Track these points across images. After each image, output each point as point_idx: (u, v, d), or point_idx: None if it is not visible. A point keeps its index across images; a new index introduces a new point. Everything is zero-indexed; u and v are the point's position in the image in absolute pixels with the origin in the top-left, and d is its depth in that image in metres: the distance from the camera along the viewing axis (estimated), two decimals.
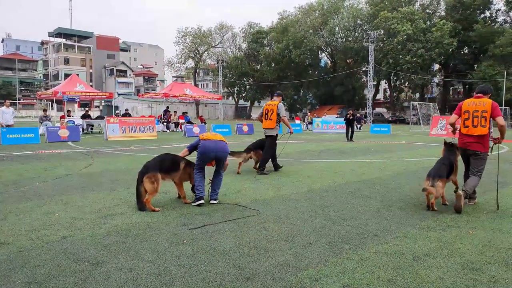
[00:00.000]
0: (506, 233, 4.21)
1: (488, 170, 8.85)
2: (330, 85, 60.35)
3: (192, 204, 5.34)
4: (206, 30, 71.36)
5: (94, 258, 3.40)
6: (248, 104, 75.31)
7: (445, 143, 6.27)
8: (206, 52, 73.76)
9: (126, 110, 27.65)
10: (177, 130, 25.98)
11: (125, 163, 9.65)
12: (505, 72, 40.09)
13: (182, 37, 70.01)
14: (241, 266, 3.27)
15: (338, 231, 4.25)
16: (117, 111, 32.38)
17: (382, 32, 49.68)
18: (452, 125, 5.98)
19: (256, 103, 73.11)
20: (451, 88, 60.60)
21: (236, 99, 74.43)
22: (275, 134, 8.40)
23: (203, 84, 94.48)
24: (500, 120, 5.24)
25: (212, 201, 5.47)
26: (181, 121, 27.07)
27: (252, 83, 68.86)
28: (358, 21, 57.95)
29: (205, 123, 25.84)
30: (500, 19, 50.20)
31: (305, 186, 6.80)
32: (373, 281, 3.00)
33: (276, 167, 8.59)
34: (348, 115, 19.48)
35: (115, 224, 4.44)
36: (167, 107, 28.69)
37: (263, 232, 4.19)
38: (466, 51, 53.06)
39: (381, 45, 50.14)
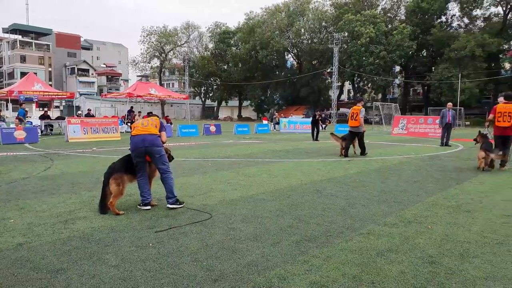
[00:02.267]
0: (462, 227, 4.41)
1: (444, 168, 9.26)
2: (297, 86, 61.12)
3: (138, 206, 5.21)
4: (172, 29, 70.43)
5: (54, 265, 3.27)
6: (215, 104, 74.95)
7: (481, 134, 9.37)
8: (172, 52, 72.82)
9: (89, 110, 26.77)
10: None
11: (87, 165, 9.34)
12: (460, 74, 42.11)
13: (147, 36, 68.78)
14: (208, 268, 3.24)
15: (305, 229, 4.30)
16: (78, 112, 31.29)
17: (346, 34, 50.88)
18: (489, 121, 9.33)
19: (223, 103, 72.90)
20: (411, 89, 62.94)
21: (203, 99, 73.89)
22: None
23: (169, 83, 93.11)
24: None
25: (168, 205, 5.12)
26: None
27: (219, 83, 68.58)
28: (323, 23, 59.05)
29: (171, 123, 25.48)
30: (455, 24, 52.69)
31: (272, 185, 6.84)
32: (339, 278, 3.07)
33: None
34: (317, 116, 20.09)
35: (76, 228, 4.29)
36: (131, 107, 28.04)
37: (231, 232, 4.18)
38: (425, 54, 55.24)
39: (345, 47, 51.31)
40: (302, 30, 60.27)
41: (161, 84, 69.24)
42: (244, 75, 63.29)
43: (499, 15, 48.63)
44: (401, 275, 3.11)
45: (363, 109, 11.76)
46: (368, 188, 6.71)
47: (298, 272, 3.16)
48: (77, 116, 23.86)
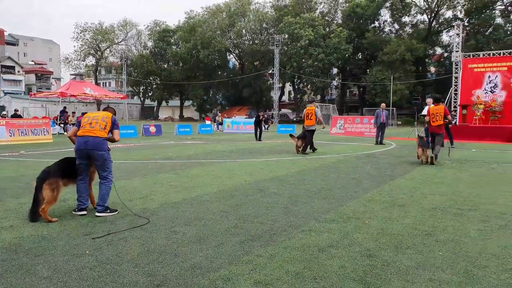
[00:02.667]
0: (396, 221, 4.69)
1: (379, 165, 9.80)
2: (239, 86, 61.41)
3: (73, 212, 4.93)
4: (108, 26, 67.50)
5: None
6: (155, 104, 73.01)
7: (419, 136, 10.89)
8: (108, 49, 69.72)
9: (16, 110, 24.74)
10: None
11: (14, 170, 8.64)
12: (392, 77, 44.87)
13: (81, 33, 65.25)
14: (150, 273, 3.13)
15: (249, 229, 4.32)
16: (3, 112, 28.88)
17: (287, 36, 52.05)
18: (427, 122, 10.75)
19: (164, 103, 71.23)
20: (347, 91, 65.96)
21: (142, 98, 71.68)
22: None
23: (106, 82, 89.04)
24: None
25: (96, 213, 4.79)
26: None
27: (159, 82, 66.93)
28: (264, 25, 59.93)
29: None
30: (387, 29, 56.10)
31: (216, 186, 6.79)
32: (283, 275, 3.11)
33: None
34: (261, 117, 20.50)
35: (2, 239, 3.94)
36: (64, 107, 26.44)
37: (173, 236, 4.08)
38: (360, 57, 58.17)
39: (286, 49, 52.49)
40: (244, 31, 60.72)
41: (97, 83, 66.00)
42: (185, 74, 62.39)
43: (425, 22, 52.58)
44: (341, 270, 3.23)
45: (318, 108, 12.82)
46: (309, 186, 6.90)
47: (243, 272, 3.16)
48: (2, 116, 22.01)
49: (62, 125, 23.96)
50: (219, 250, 3.67)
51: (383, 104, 17.38)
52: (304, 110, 13.26)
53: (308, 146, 12.79)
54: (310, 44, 49.29)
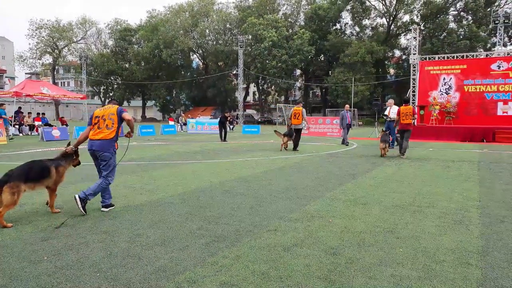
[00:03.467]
0: (359, 219, 4.81)
1: (341, 164, 10.03)
2: (203, 86, 60.94)
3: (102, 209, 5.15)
4: (66, 23, 64.89)
5: None
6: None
7: (383, 131, 12.71)
8: (66, 48, 67.01)
9: None
10: (33, 134, 23.05)
11: None
12: (353, 78, 46.07)
13: (36, 30, 62.28)
14: (113, 278, 3.04)
15: (214, 230, 4.29)
16: None
17: (250, 37, 52.20)
18: (397, 120, 12.20)
19: (125, 103, 69.41)
20: (311, 92, 67.07)
21: (103, 99, 69.49)
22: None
23: (64, 82, 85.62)
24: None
25: (75, 195, 4.87)
26: (37, 123, 24.09)
27: (120, 82, 65.17)
28: (228, 25, 59.82)
29: (66, 125, 23.47)
30: (348, 31, 57.47)
31: (181, 188, 6.70)
32: (249, 276, 3.11)
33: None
34: (229, 117, 20.58)
35: None
36: (19, 107, 25.22)
37: (137, 239, 3.98)
38: (322, 59, 59.23)
39: (250, 49, 52.62)
40: (207, 31, 60.31)
41: (54, 83, 63.27)
42: (148, 74, 61.15)
43: (384, 26, 54.34)
44: (306, 268, 3.27)
45: (304, 109, 13.98)
46: (274, 186, 6.95)
47: (208, 274, 3.13)
48: None
49: (17, 126, 22.81)
50: (184, 252, 3.62)
51: (347, 105, 17.45)
52: (292, 110, 14.21)
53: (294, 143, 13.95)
54: (274, 45, 49.68)
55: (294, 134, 13.87)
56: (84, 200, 4.85)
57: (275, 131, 15.06)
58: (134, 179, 7.55)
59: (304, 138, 20.89)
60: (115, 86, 67.42)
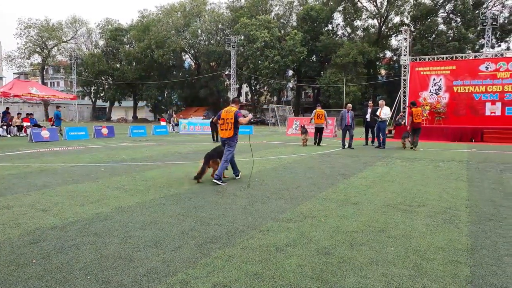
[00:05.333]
0: (350, 219, 4.83)
1: (333, 165, 10.07)
2: (195, 86, 60.78)
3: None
4: (56, 23, 64.31)
5: None
6: (107, 104, 70.55)
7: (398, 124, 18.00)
8: (56, 48, 66.39)
9: None
10: (21, 135, 22.80)
11: None
12: (345, 79, 46.30)
13: (25, 29, 61.61)
14: (104, 280, 3.01)
15: (207, 231, 4.28)
16: None
17: (243, 37, 52.21)
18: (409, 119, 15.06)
19: (116, 104, 69.01)
20: (303, 92, 67.26)
21: (94, 99, 69.01)
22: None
23: (54, 82, 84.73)
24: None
25: (213, 180, 7.18)
26: (25, 124, 23.82)
27: (111, 82, 64.72)
28: (220, 26, 59.75)
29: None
30: (339, 32, 57.77)
31: (173, 189, 6.67)
32: (241, 276, 3.11)
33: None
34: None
35: None
36: (7, 108, 24.90)
37: (128, 241, 3.95)
38: (314, 59, 59.48)
39: (242, 50, 52.63)
40: (199, 31, 60.21)
41: (44, 83, 62.76)
42: (139, 74, 60.87)
43: (375, 27, 54.72)
44: (299, 268, 3.28)
45: (325, 111, 16.30)
46: (266, 186, 6.96)
47: (200, 275, 3.12)
48: None
49: (5, 127, 22.53)
50: (176, 253, 3.61)
51: (349, 105, 15.67)
52: (315, 111, 16.37)
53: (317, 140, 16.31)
54: (266, 46, 49.75)
55: (319, 133, 16.48)
56: (219, 178, 7.13)
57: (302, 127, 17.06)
58: (126, 180, 7.50)
59: (297, 139, 20.94)
60: (106, 86, 66.99)
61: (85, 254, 3.56)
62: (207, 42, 60.72)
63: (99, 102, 71.08)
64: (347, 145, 15.15)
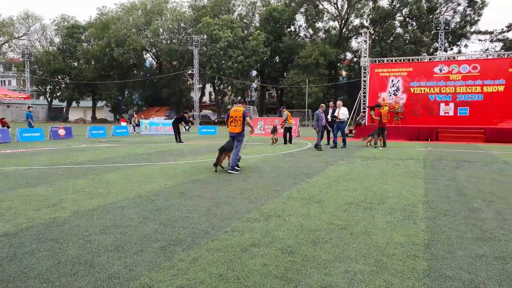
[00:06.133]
0: (314, 217, 4.91)
1: (297, 164, 10.21)
2: (157, 86, 59.63)
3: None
4: (7, 18, 61.02)
5: None
6: (64, 104, 67.78)
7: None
8: (7, 44, 63.00)
9: None
10: None
11: None
12: (307, 80, 47.06)
13: None
14: None
15: (170, 234, 4.20)
16: None
17: (205, 37, 51.81)
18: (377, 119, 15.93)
19: (74, 104, 66.46)
20: (267, 93, 67.67)
21: (49, 99, 66.09)
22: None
23: (4, 81, 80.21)
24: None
25: (228, 170, 8.60)
26: None
27: (68, 81, 62.27)
28: (182, 24, 58.99)
29: (8, 127, 22.00)
30: (302, 34, 58.66)
31: (134, 191, 6.50)
32: (206, 278, 3.07)
33: None
34: (189, 117, 20.82)
35: None
36: None
37: (88, 245, 3.81)
38: (278, 60, 60.04)
39: (205, 49, 52.21)
40: (161, 30, 59.17)
41: None
42: (98, 73, 58.91)
43: (336, 29, 56.01)
44: (264, 268, 3.29)
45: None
46: (231, 187, 6.93)
47: (164, 279, 3.06)
48: None
49: None
50: (139, 257, 3.52)
51: (322, 105, 15.24)
52: (286, 113, 17.47)
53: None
54: (230, 45, 49.64)
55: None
56: (234, 169, 8.56)
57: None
58: (84, 183, 7.23)
59: (261, 139, 21.05)
60: (63, 85, 64.36)
61: (40, 261, 3.39)
62: (169, 41, 59.77)
63: (56, 102, 68.14)
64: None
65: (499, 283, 3.04)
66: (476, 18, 49.48)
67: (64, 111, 68.21)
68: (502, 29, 48.59)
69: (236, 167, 8.60)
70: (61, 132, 21.38)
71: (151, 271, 3.22)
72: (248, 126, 9.10)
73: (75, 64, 63.16)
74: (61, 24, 63.05)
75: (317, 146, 14.40)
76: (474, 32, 50.27)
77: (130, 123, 31.24)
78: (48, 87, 64.87)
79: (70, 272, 3.18)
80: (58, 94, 65.43)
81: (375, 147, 15.58)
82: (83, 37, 62.85)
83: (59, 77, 62.51)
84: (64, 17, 63.72)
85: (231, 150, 8.85)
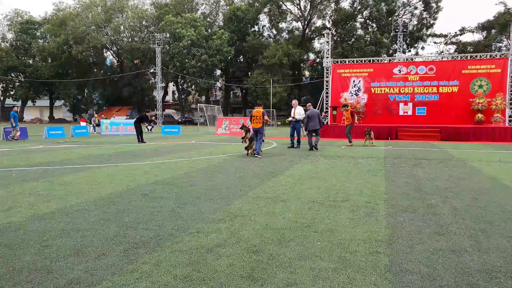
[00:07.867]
0: (279, 215, 4.95)
1: (262, 163, 10.25)
2: (118, 85, 58.11)
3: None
4: None
5: None
6: (19, 104, 64.54)
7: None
8: None
9: None
10: None
11: None
12: (271, 80, 47.42)
13: None
14: None
15: (133, 236, 4.10)
16: None
17: (168, 35, 51.01)
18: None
19: (30, 103, 63.47)
20: (231, 92, 67.59)
21: (2, 98, 62.72)
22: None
23: None
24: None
25: (255, 155, 11.70)
26: None
27: (23, 79, 59.34)
28: (144, 22, 57.76)
29: None
30: (266, 34, 59.05)
31: (95, 193, 6.28)
32: (170, 280, 3.02)
33: None
34: (151, 117, 20.37)
35: None
36: None
37: (46, 251, 3.64)
38: (242, 60, 60.12)
39: (168, 48, 51.41)
40: (122, 28, 57.65)
41: None
42: (56, 71, 56.61)
43: (299, 29, 56.81)
44: (230, 268, 3.28)
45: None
46: (196, 187, 6.86)
47: (127, 282, 2.98)
48: None
49: None
50: (100, 261, 3.40)
51: (308, 104, 15.29)
52: (345, 111, 18.11)
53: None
54: (193, 44, 49.15)
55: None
56: (258, 153, 11.68)
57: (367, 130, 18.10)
58: (42, 186, 6.91)
59: (226, 139, 21.01)
60: (17, 84, 61.28)
61: None
62: (130, 39, 58.32)
63: (9, 101, 64.77)
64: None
65: (455, 276, 3.19)
66: (431, 22, 51.88)
67: (18, 110, 64.97)
68: (456, 32, 51.22)
69: (260, 152, 11.91)
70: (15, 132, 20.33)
71: (114, 275, 3.12)
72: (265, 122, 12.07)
73: (30, 61, 60.41)
74: (14, 19, 60.07)
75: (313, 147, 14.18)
76: (430, 35, 52.64)
77: (90, 123, 30.26)
78: (1, 86, 61.61)
79: (26, 279, 3.03)
80: (11, 93, 62.27)
81: (351, 145, 16.46)
82: (38, 34, 60.20)
83: (13, 75, 59.49)
84: (17, 12, 60.74)
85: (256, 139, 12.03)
